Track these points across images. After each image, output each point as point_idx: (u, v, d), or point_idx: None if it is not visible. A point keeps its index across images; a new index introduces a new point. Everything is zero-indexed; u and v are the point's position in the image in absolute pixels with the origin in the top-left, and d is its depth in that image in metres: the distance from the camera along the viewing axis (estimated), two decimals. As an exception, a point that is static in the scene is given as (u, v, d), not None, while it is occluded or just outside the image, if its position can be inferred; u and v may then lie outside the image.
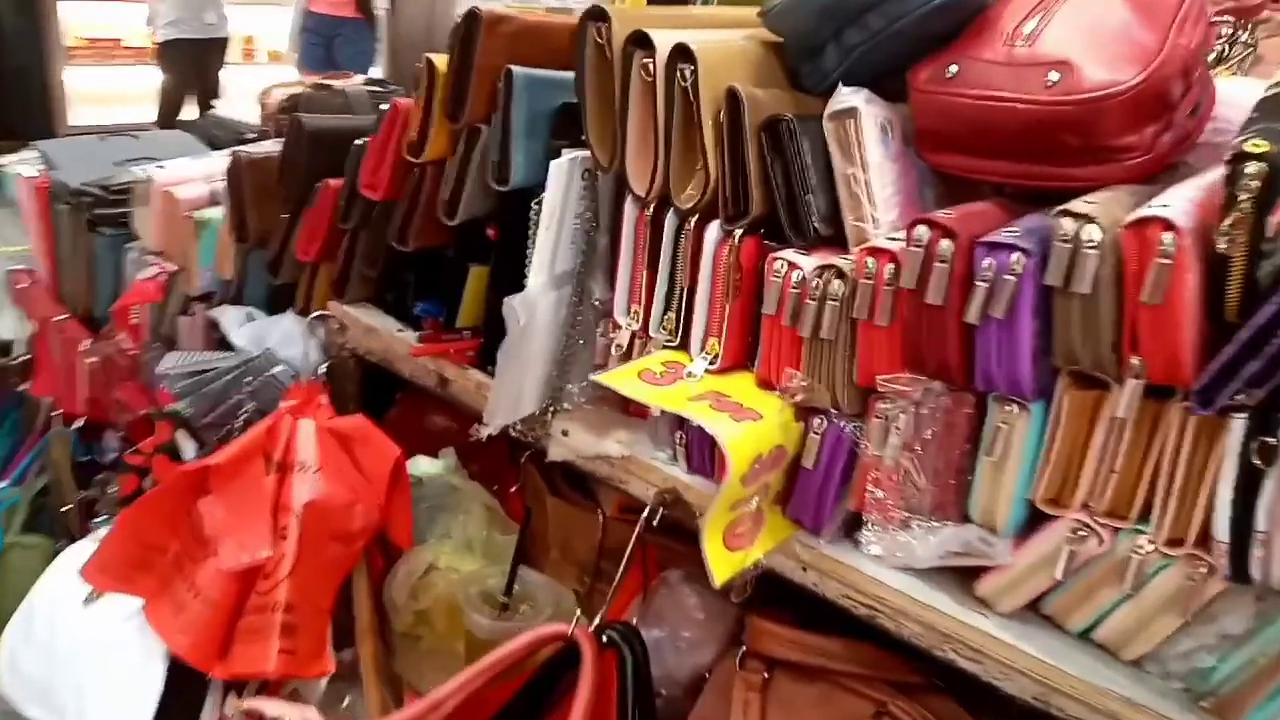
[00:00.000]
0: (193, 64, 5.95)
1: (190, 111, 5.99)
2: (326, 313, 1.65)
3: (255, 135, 2.31)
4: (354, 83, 2.22)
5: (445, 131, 1.38)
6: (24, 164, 2.26)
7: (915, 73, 1.11)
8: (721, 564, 1.08)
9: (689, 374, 1.23)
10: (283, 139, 1.74)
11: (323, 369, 1.68)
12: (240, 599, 1.42)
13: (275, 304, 1.75)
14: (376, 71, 6.28)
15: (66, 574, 1.52)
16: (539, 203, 1.30)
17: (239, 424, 1.64)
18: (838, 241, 1.12)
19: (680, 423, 1.26)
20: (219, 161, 1.85)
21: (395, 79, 5.85)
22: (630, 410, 1.39)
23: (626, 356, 1.29)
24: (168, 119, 5.84)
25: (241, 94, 5.87)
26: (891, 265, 1.00)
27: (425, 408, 1.82)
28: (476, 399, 1.43)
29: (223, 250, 1.75)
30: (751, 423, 1.08)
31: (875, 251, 1.01)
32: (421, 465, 1.66)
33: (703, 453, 1.26)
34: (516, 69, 1.30)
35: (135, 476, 1.84)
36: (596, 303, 1.35)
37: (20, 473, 2.00)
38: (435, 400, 1.80)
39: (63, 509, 1.95)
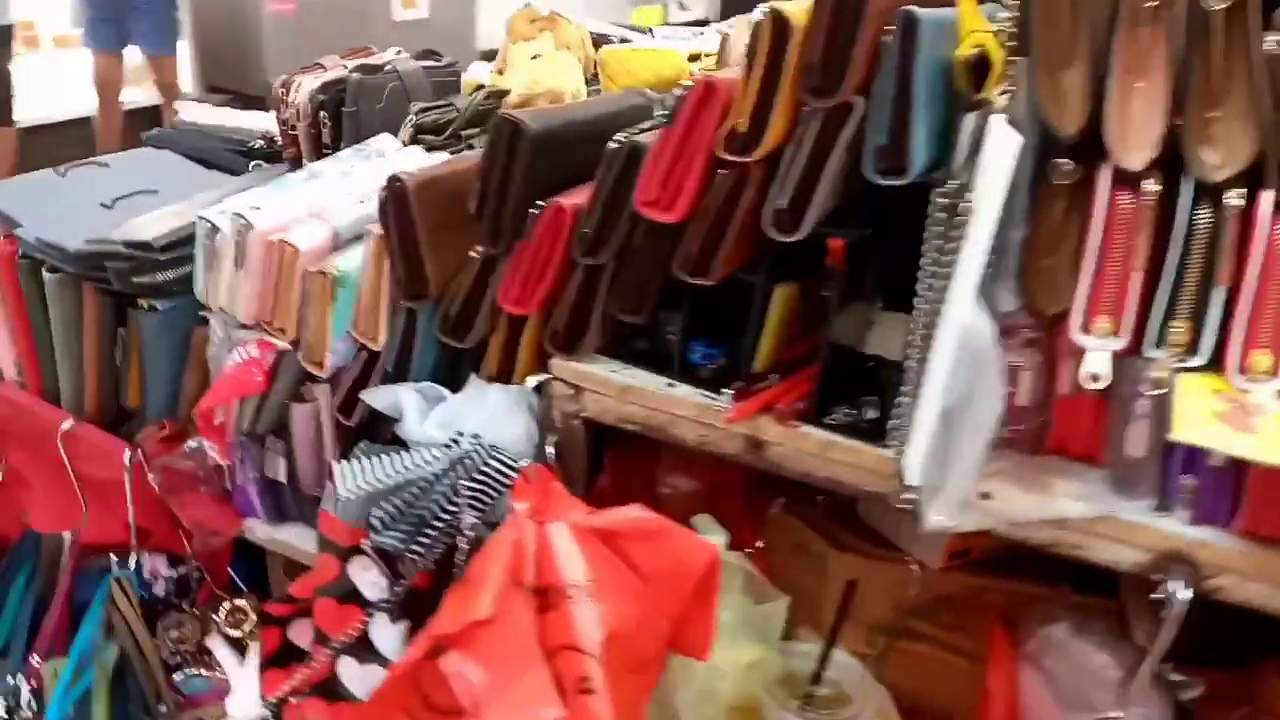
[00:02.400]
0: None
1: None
2: (552, 375, 1.23)
3: (263, 143, 1.79)
4: (402, 59, 1.72)
5: (790, 115, 0.98)
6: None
7: None
8: None
9: (1256, 405, 0.91)
10: (431, 149, 1.28)
11: (550, 449, 1.26)
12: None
13: (449, 376, 1.30)
14: (184, 47, 5.46)
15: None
16: (944, 194, 0.94)
17: (465, 545, 1.20)
18: None
19: (1187, 461, 0.96)
20: (316, 190, 1.36)
21: (204, 56, 5.02)
22: (1052, 449, 1.07)
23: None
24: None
25: (35, 89, 4.99)
26: None
27: (650, 467, 1.43)
28: (806, 464, 1.10)
29: (366, 312, 1.27)
30: None
31: None
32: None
33: (1218, 497, 0.96)
34: (916, 10, 0.92)
35: (278, 629, 1.37)
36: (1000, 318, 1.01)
37: (84, 646, 1.46)
38: (658, 456, 1.43)
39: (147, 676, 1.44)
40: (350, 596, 1.30)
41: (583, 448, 1.28)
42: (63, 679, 1.44)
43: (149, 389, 1.45)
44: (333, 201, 1.32)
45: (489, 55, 8.06)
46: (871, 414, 1.13)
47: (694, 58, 2.12)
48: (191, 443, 1.46)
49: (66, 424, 1.60)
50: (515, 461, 1.25)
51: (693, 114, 1.01)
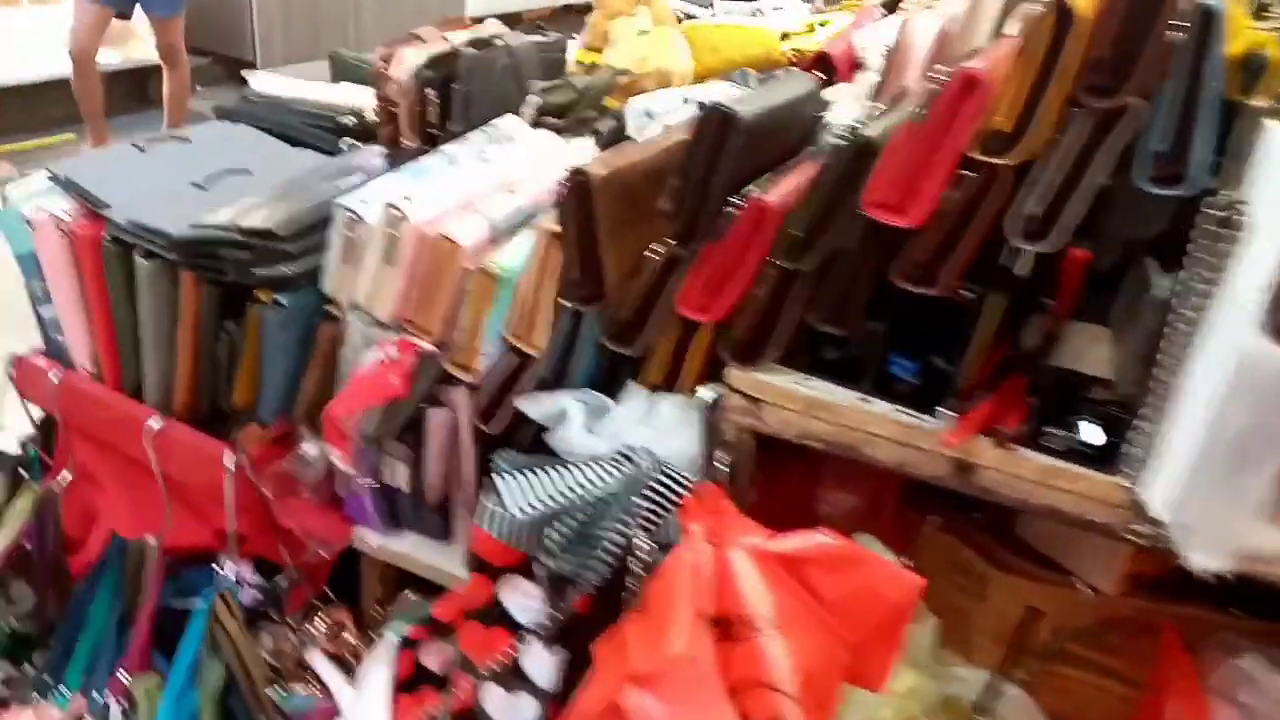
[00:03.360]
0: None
1: None
2: (728, 386, 1.13)
3: (353, 120, 1.67)
4: (514, 34, 1.61)
5: (1056, 115, 0.90)
6: (33, 197, 1.52)
7: None
8: None
9: None
10: (598, 136, 1.18)
11: (724, 466, 1.17)
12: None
13: (606, 383, 1.21)
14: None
15: None
16: (1216, 207, 0.86)
17: (638, 569, 1.11)
18: None
19: None
20: (459, 178, 1.25)
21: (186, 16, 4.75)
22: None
23: None
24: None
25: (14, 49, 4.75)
26: None
27: (800, 482, 1.35)
28: (1020, 490, 1.03)
29: (525, 313, 1.17)
30: None
31: None
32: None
33: None
34: (1215, 2, 0.84)
35: (410, 653, 1.27)
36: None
37: (189, 663, 1.35)
38: (807, 469, 1.35)
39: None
40: (498, 619, 1.22)
41: (750, 464, 1.20)
42: (166, 702, 1.33)
43: (265, 388, 1.33)
44: (482, 192, 1.21)
45: (478, 23, 7.78)
46: (1092, 437, 1.05)
47: (785, 36, 2.03)
48: (309, 447, 1.35)
49: (155, 422, 1.48)
50: (687, 479, 1.16)
51: (948, 109, 0.91)
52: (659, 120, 1.47)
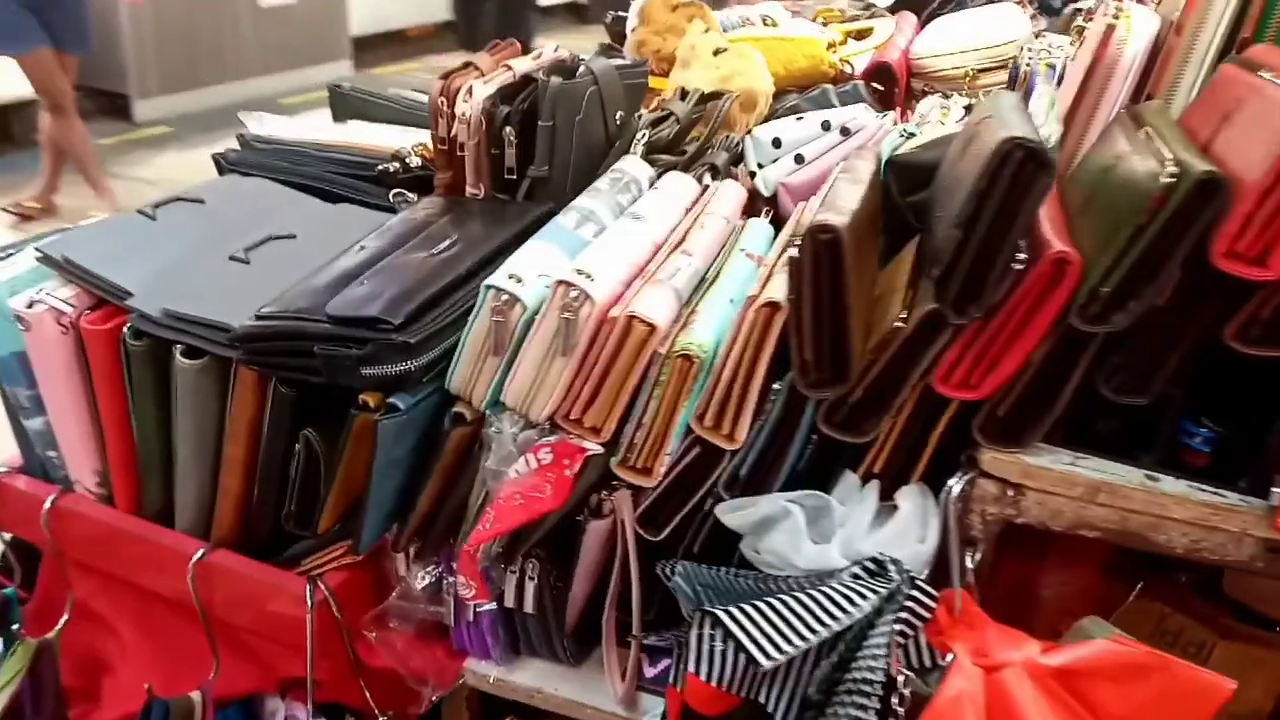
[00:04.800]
0: None
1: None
2: (982, 472, 0.94)
3: (397, 167, 1.40)
4: (595, 58, 1.37)
5: None
6: (15, 283, 1.20)
7: None
8: None
9: None
10: (715, 173, 0.98)
11: (971, 564, 0.97)
12: None
13: (812, 476, 0.99)
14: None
15: None
16: None
17: (899, 708, 0.90)
18: None
19: None
20: (618, 241, 1.02)
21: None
22: None
23: None
24: None
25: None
26: None
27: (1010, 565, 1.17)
28: None
29: (722, 401, 0.95)
30: None
31: None
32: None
33: None
34: None
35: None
36: None
37: None
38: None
39: None
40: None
41: (989, 562, 1.01)
42: None
43: (371, 511, 1.06)
44: (647, 256, 0.99)
45: (361, 43, 7.44)
46: None
47: (830, 46, 1.85)
48: (423, 575, 1.09)
49: (198, 552, 1.19)
50: (933, 589, 0.96)
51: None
52: (789, 151, 1.27)
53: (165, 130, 5.34)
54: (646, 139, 1.24)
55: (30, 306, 1.16)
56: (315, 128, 1.55)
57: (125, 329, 1.14)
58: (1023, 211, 0.82)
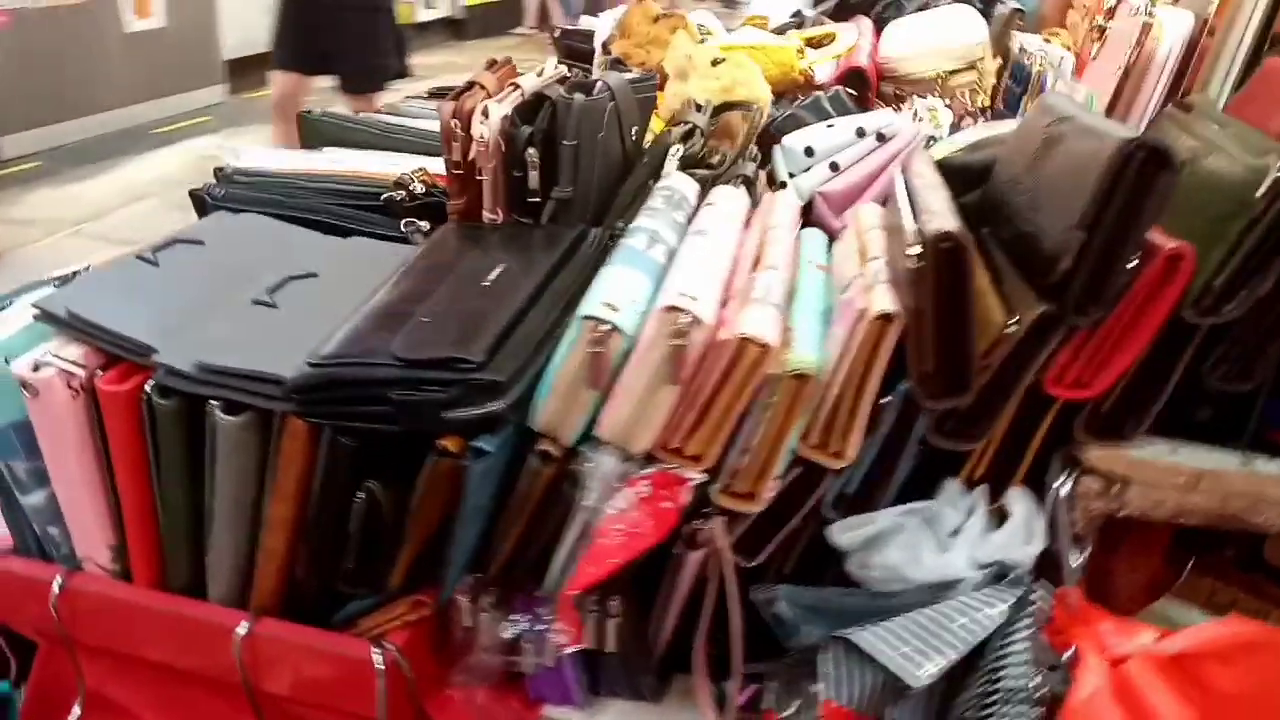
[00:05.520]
0: None
1: None
2: (1088, 468, 0.94)
3: (403, 195, 1.33)
4: (610, 74, 1.32)
5: None
6: (13, 344, 1.09)
7: None
8: None
9: None
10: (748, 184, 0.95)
11: (1078, 561, 0.98)
12: None
13: (912, 485, 0.98)
14: None
15: None
16: None
17: (1032, 714, 0.89)
18: None
19: None
20: (703, 251, 0.98)
21: None
22: None
23: None
24: None
25: None
26: None
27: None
28: None
29: (831, 419, 0.93)
30: None
31: None
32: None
33: None
34: None
35: None
36: None
37: None
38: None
39: None
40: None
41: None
42: None
43: (454, 559, 0.99)
44: (731, 273, 0.96)
45: (235, 65, 7.16)
46: None
47: (801, 51, 1.86)
48: (513, 627, 1.03)
49: (240, 623, 1.10)
50: (1050, 588, 0.96)
51: None
52: (822, 159, 1.26)
53: (35, 165, 5.02)
54: (681, 154, 1.20)
55: (37, 370, 1.05)
56: (295, 157, 1.47)
57: (148, 387, 1.05)
58: (1146, 211, 0.82)
